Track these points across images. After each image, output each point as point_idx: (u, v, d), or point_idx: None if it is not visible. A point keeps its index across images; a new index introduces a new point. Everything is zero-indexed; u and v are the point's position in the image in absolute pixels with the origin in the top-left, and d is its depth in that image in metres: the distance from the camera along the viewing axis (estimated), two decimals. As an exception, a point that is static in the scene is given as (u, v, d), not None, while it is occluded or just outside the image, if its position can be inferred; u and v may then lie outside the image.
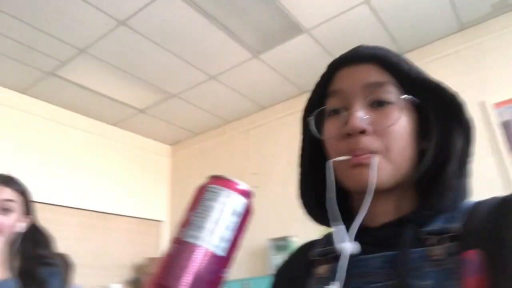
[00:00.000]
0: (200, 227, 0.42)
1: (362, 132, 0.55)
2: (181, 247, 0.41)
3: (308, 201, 0.67)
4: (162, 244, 4.30)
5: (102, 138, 4.01)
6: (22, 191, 1.36)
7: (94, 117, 3.96)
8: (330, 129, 0.60)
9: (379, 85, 0.58)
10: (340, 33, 2.90)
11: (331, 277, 0.56)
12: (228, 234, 0.43)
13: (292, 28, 2.84)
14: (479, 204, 0.54)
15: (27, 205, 1.37)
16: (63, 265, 1.34)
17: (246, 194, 0.46)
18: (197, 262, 0.40)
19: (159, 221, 4.36)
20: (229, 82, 3.48)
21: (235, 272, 3.71)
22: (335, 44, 2.99)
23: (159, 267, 0.41)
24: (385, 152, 0.55)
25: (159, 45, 2.97)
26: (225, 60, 3.20)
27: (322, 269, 0.61)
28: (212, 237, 0.42)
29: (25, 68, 3.14)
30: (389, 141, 0.55)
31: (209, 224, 0.42)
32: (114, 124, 4.14)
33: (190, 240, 0.41)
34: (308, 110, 0.67)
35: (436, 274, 0.49)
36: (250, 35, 2.91)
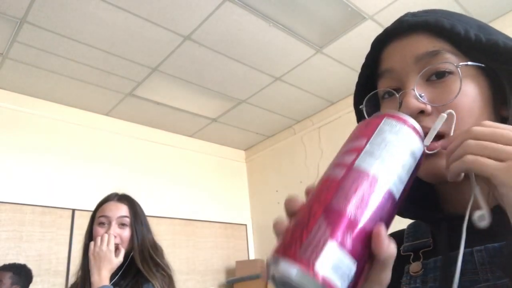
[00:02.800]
0: (376, 157, 0.37)
1: (421, 112, 0.48)
2: (352, 173, 0.36)
3: None
4: (250, 247, 4.40)
5: (181, 150, 4.22)
6: (134, 208, 1.50)
7: (172, 131, 4.18)
8: None
9: (432, 54, 0.50)
10: (406, 14, 2.75)
11: (424, 274, 0.51)
12: (404, 174, 0.38)
13: (354, 17, 2.75)
14: None
15: (139, 220, 1.49)
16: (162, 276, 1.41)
17: (422, 139, 0.41)
18: (369, 192, 0.35)
19: (243, 224, 4.47)
20: (295, 81, 3.47)
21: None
22: (402, 26, 2.84)
23: (324, 190, 0.36)
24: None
25: (223, 54, 3.05)
26: (288, 60, 3.20)
27: (414, 266, 0.54)
28: (388, 171, 0.37)
29: (106, 91, 3.41)
30: (458, 115, 0.47)
31: (386, 156, 0.37)
32: (191, 135, 4.33)
33: (365, 167, 0.36)
34: (359, 95, 0.59)
35: None
36: (311, 30, 2.87)
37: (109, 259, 1.31)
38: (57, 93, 3.38)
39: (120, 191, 1.55)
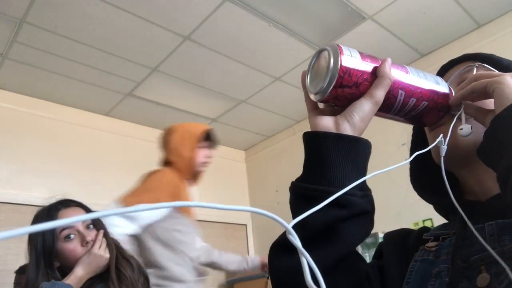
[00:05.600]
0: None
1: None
2: None
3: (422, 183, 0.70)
4: (250, 247, 4.40)
5: (180, 150, 4.21)
6: (86, 208, 1.39)
7: (171, 131, 4.18)
8: None
9: (468, 67, 0.64)
10: (405, 15, 2.75)
11: (438, 251, 0.57)
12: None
13: (354, 17, 2.75)
14: None
15: (97, 219, 1.38)
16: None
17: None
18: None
19: (243, 224, 4.47)
20: (295, 81, 3.47)
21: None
22: (402, 26, 2.84)
23: None
24: None
25: (223, 54, 3.05)
26: (288, 60, 3.20)
27: (430, 244, 0.61)
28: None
29: (105, 91, 3.41)
30: None
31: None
32: (190, 136, 4.33)
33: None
34: None
35: None
36: (310, 30, 2.87)
37: (103, 265, 1.27)
38: (57, 93, 3.38)
39: (52, 198, 1.42)
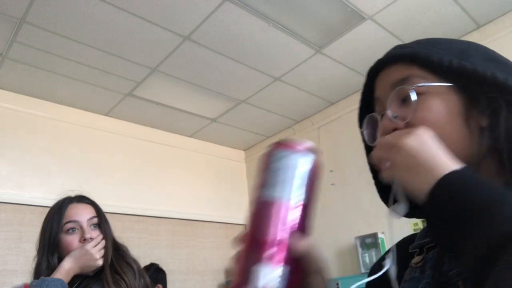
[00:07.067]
0: (270, 185, 0.49)
1: (395, 130, 0.57)
2: (261, 205, 0.49)
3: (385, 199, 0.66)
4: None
5: (181, 150, 4.22)
6: (97, 207, 1.41)
7: (172, 131, 4.18)
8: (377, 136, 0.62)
9: (403, 80, 0.58)
10: (405, 15, 2.75)
11: (423, 265, 0.58)
12: (296, 187, 0.49)
13: (353, 17, 2.75)
14: None
15: (104, 219, 1.41)
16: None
17: (306, 150, 0.51)
18: (278, 215, 0.47)
19: (243, 224, 4.47)
20: (295, 81, 3.47)
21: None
22: (402, 26, 2.85)
23: (248, 226, 0.50)
24: None
25: (223, 55, 3.05)
26: (288, 60, 3.20)
27: (416, 259, 0.61)
28: (282, 192, 0.48)
29: (105, 91, 3.41)
30: None
31: (278, 181, 0.48)
32: (190, 136, 4.33)
33: (267, 198, 0.48)
34: (361, 118, 0.69)
35: None
36: (310, 31, 2.87)
37: (92, 264, 1.26)
38: (57, 93, 3.38)
39: (71, 192, 1.44)
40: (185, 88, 3.45)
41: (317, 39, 2.97)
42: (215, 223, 4.21)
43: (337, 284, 3.15)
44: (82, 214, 1.34)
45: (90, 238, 1.30)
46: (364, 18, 2.76)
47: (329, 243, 3.43)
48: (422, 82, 0.57)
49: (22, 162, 3.18)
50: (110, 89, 3.38)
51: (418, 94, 0.56)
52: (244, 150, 4.82)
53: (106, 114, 3.76)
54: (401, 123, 0.57)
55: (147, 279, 1.37)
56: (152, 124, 4.00)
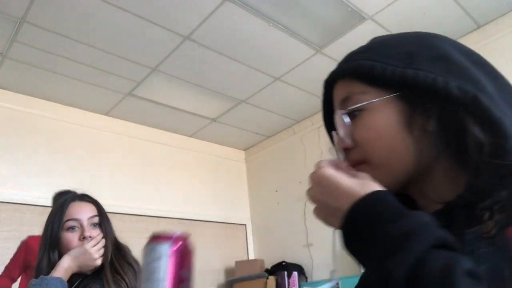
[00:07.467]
0: (144, 281, 0.54)
1: (347, 149, 0.59)
2: None
3: None
4: (249, 247, 4.40)
5: (181, 150, 4.22)
6: (99, 206, 1.41)
7: (172, 131, 4.18)
8: None
9: (347, 99, 0.60)
10: (405, 15, 2.75)
11: None
12: (160, 275, 0.53)
13: (353, 17, 2.75)
14: None
15: (105, 219, 1.41)
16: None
17: (167, 239, 0.56)
18: None
19: (242, 224, 4.47)
20: (295, 81, 3.47)
21: (323, 273, 3.68)
22: (402, 26, 2.84)
23: None
24: (370, 159, 0.57)
25: (223, 55, 3.05)
26: (288, 60, 3.20)
27: None
28: (150, 284, 0.53)
29: (105, 91, 3.41)
30: (364, 147, 0.57)
31: (147, 275, 0.54)
32: (191, 135, 4.33)
33: None
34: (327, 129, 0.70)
35: (491, 255, 0.45)
36: (310, 31, 2.87)
37: (91, 264, 1.26)
38: (57, 93, 3.38)
39: (77, 191, 1.45)
40: (185, 88, 3.45)
41: (317, 39, 2.97)
42: (214, 223, 4.21)
43: (337, 284, 3.15)
44: (83, 213, 1.34)
45: (90, 237, 1.29)
46: (364, 18, 2.76)
47: (329, 243, 3.43)
48: (363, 99, 0.58)
49: (22, 161, 3.18)
50: (110, 88, 3.38)
51: (359, 110, 0.58)
52: (244, 150, 4.82)
53: (106, 114, 3.76)
54: (349, 142, 0.58)
55: None
56: (152, 124, 4.00)
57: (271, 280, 3.67)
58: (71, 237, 1.29)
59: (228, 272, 4.10)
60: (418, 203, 0.59)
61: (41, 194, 3.11)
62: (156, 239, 0.56)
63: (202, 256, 4.17)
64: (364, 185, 0.48)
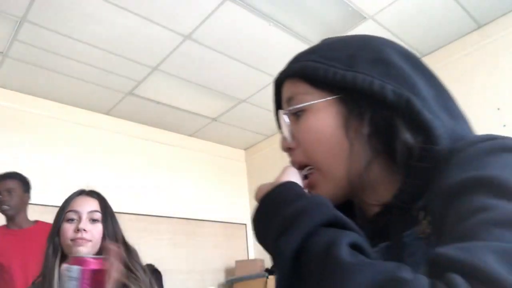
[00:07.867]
0: None
1: (290, 149, 0.60)
2: None
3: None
4: (249, 246, 4.40)
5: (181, 149, 4.22)
6: (104, 203, 1.43)
7: (172, 130, 4.18)
8: None
9: (291, 99, 0.61)
10: (406, 15, 2.75)
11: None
12: None
13: (354, 17, 2.75)
14: (447, 173, 0.47)
15: (109, 216, 1.42)
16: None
17: (78, 262, 0.63)
18: None
19: (242, 224, 4.47)
20: (295, 80, 3.47)
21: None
22: (402, 26, 2.85)
23: None
24: (313, 162, 0.58)
25: (223, 54, 3.05)
26: (288, 59, 3.19)
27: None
28: None
29: (106, 90, 3.41)
30: (306, 149, 0.58)
31: None
32: (191, 135, 4.33)
33: None
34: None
35: (426, 254, 0.46)
36: (311, 30, 2.87)
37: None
38: (57, 92, 3.38)
39: (88, 187, 1.47)
40: (186, 87, 3.45)
41: (317, 39, 2.95)
42: (215, 222, 4.21)
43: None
44: (84, 206, 1.35)
45: (84, 230, 1.30)
46: (365, 17, 2.76)
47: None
48: (305, 99, 0.58)
49: (23, 160, 3.18)
50: (111, 88, 3.38)
51: (303, 111, 0.59)
52: (245, 149, 4.82)
53: (106, 113, 3.76)
54: (291, 142, 0.60)
55: (153, 283, 1.38)
56: (153, 123, 4.00)
57: (271, 279, 3.67)
58: (68, 228, 1.31)
59: (228, 271, 4.10)
60: (362, 208, 0.60)
61: (41, 194, 3.11)
62: (73, 261, 0.62)
63: (202, 255, 4.20)
64: (278, 180, 0.51)
